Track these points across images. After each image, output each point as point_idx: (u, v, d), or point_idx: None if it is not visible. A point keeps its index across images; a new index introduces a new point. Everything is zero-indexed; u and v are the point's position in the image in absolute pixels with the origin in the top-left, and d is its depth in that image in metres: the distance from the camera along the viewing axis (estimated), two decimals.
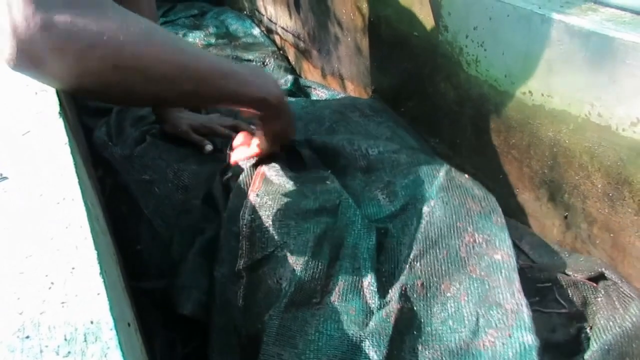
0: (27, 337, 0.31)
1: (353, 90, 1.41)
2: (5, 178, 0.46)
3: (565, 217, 0.86)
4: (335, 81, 1.48)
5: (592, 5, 0.78)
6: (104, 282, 0.35)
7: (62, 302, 0.33)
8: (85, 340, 0.31)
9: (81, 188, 0.43)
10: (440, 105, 1.06)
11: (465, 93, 0.99)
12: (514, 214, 0.95)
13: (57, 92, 0.59)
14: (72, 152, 0.48)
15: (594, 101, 0.74)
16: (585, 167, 0.79)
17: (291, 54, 1.74)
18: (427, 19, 1.02)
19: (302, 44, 1.64)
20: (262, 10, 1.89)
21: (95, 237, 0.38)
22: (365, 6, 1.22)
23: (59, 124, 0.53)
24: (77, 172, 0.45)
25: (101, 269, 0.35)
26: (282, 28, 1.76)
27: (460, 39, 0.95)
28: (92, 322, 0.32)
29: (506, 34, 0.85)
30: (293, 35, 1.69)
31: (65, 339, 0.31)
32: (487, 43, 0.89)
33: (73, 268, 0.36)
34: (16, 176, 0.45)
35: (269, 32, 1.87)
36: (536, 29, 0.79)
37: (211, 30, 1.84)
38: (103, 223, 0.55)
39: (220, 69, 0.65)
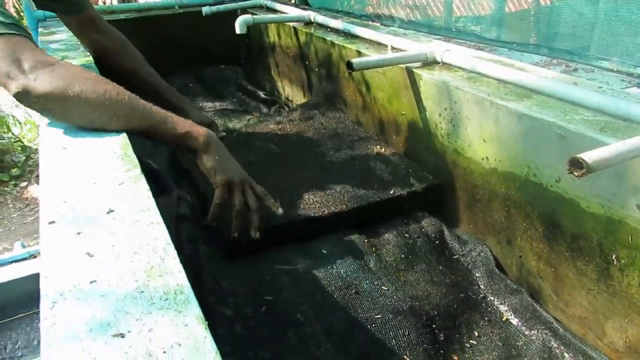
0: (142, 291, 0.54)
1: None
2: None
3: (520, 257, 1.07)
4: None
5: (528, 93, 1.03)
6: (180, 263, 0.58)
7: (160, 275, 0.56)
8: (175, 294, 0.53)
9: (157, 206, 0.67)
10: (424, 169, 1.31)
11: (441, 159, 1.23)
12: None
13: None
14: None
15: (530, 164, 0.98)
16: (529, 215, 1.01)
17: None
18: (410, 102, 1.29)
19: None
20: (281, 91, 2.22)
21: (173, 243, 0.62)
22: (364, 89, 1.51)
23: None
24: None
25: (178, 256, 0.59)
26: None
27: (435, 117, 1.21)
28: (178, 285, 0.54)
29: (466, 113, 1.10)
30: None
31: (164, 292, 0.53)
32: (454, 120, 1.15)
33: (163, 258, 0.59)
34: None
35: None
36: (487, 111, 1.05)
37: None
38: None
39: (158, 115, 0.92)
